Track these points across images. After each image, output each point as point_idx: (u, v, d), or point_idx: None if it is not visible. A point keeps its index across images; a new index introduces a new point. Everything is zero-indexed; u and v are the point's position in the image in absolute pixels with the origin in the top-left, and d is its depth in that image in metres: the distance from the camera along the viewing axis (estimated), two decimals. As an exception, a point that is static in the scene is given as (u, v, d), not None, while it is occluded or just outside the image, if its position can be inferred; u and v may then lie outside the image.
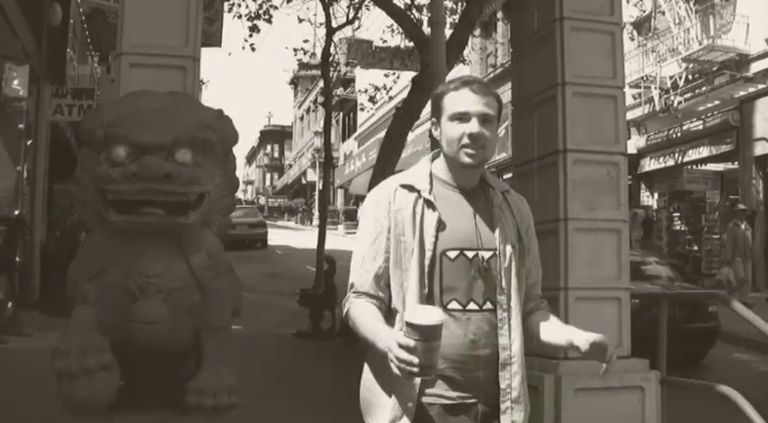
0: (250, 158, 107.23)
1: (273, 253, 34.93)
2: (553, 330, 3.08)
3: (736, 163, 22.93)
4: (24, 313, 12.07)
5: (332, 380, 9.34)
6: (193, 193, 4.39)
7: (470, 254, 2.94)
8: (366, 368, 3.05)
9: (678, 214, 24.70)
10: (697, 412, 7.59)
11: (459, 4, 16.50)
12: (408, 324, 2.55)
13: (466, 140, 2.94)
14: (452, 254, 2.93)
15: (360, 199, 47.34)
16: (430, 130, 3.18)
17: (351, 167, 53.18)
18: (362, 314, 2.91)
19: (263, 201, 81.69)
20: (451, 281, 2.92)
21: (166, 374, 4.64)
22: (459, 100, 2.98)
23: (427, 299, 2.87)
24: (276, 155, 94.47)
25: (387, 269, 2.96)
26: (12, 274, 12.77)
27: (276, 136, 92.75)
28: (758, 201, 21.59)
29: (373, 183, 13.69)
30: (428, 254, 2.89)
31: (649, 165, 26.60)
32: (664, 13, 24.18)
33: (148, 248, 4.49)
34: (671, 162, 25.25)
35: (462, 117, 2.95)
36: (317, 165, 53.47)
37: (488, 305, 2.95)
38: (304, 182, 69.34)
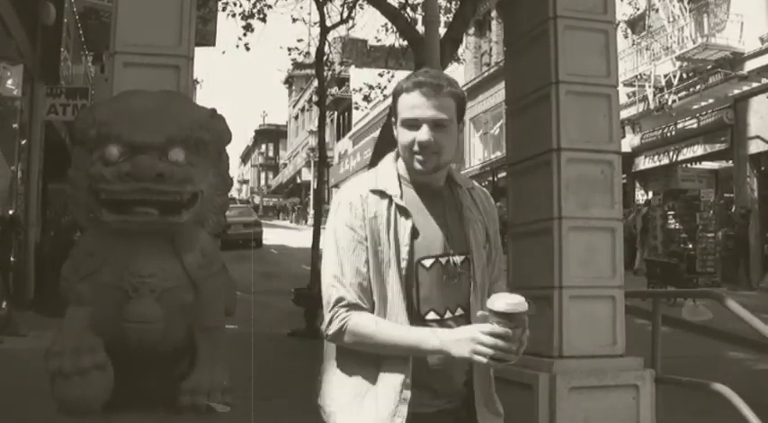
0: (245, 158, 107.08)
1: (268, 252, 34.92)
2: None
3: (731, 161, 22.99)
4: (19, 313, 12.03)
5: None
6: (187, 193, 4.39)
7: (444, 260, 2.82)
8: (328, 386, 2.90)
9: (673, 213, 24.74)
10: (692, 410, 7.61)
11: (454, 2, 16.49)
12: (499, 313, 2.51)
13: (416, 148, 2.77)
14: (427, 262, 2.80)
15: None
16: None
17: (345, 167, 53.19)
18: (381, 324, 2.72)
19: (257, 200, 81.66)
20: (428, 290, 2.80)
21: (160, 374, 4.64)
22: (412, 104, 2.78)
23: (408, 310, 2.74)
24: (271, 154, 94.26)
25: (369, 281, 2.77)
26: (6, 273, 12.75)
27: (271, 135, 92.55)
28: (753, 199, 21.63)
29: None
30: (404, 264, 2.75)
31: (644, 163, 26.66)
32: (657, 10, 24.20)
33: (142, 248, 4.48)
34: (665, 160, 25.32)
35: (413, 124, 2.77)
36: (312, 164, 53.44)
37: (460, 311, 2.84)
38: (299, 181, 69.26)
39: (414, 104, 2.77)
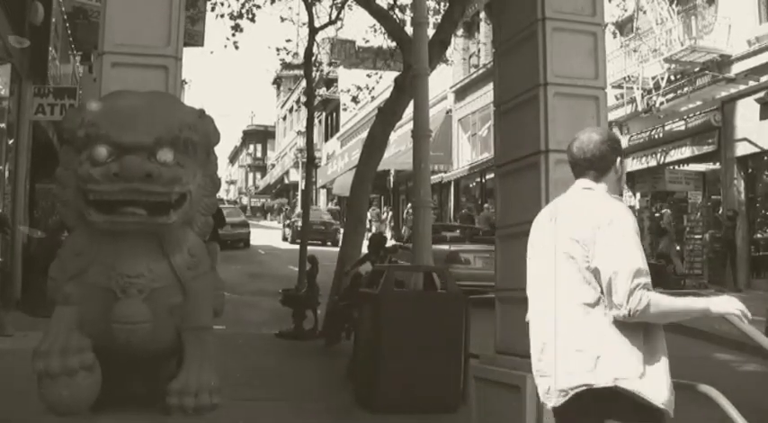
0: (233, 158, 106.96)
1: (256, 253, 34.82)
2: None
3: (718, 163, 23.01)
4: (5, 313, 11.99)
5: (314, 380, 9.33)
6: (175, 193, 4.38)
7: None
8: (642, 346, 3.54)
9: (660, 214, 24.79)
10: (678, 411, 7.61)
11: (442, 4, 16.51)
12: None
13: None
14: None
15: (342, 199, 47.19)
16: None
17: (333, 167, 53.06)
18: (665, 297, 3.49)
19: (245, 200, 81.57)
20: None
21: (148, 374, 4.63)
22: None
23: None
24: (259, 154, 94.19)
25: None
26: (-7, 274, 12.72)
27: (259, 136, 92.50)
28: (740, 201, 21.69)
29: (356, 182, 13.71)
30: None
31: (631, 165, 26.66)
32: (645, 12, 24.23)
33: (130, 248, 4.48)
34: (653, 162, 25.32)
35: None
36: (300, 164, 53.35)
37: None
38: (287, 182, 69.11)
39: None
